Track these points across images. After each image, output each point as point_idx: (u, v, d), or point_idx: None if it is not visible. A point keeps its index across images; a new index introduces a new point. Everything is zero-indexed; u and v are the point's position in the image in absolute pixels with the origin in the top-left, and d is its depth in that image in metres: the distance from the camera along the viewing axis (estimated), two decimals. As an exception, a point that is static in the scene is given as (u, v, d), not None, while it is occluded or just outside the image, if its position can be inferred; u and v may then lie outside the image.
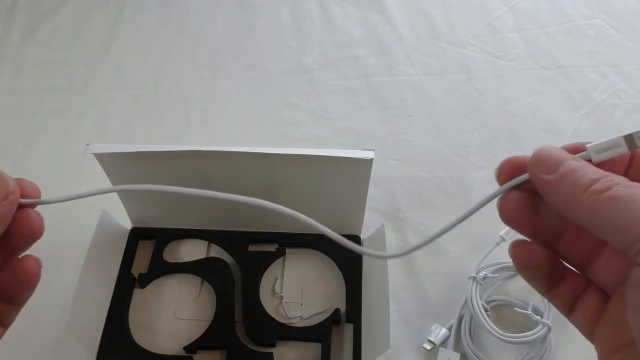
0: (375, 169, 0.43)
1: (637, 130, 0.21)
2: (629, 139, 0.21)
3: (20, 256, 0.26)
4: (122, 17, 0.76)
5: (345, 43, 0.72)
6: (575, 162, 0.21)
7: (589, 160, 0.22)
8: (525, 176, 0.23)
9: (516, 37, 0.71)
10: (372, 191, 0.54)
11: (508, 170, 0.24)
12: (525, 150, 0.61)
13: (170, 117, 0.64)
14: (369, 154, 0.41)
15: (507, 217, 0.24)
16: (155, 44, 0.73)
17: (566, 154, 0.22)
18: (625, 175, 0.22)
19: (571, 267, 0.24)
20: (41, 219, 0.27)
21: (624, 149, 0.21)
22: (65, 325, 0.41)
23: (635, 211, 0.18)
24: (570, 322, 0.24)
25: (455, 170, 0.57)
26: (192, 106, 0.65)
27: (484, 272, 0.46)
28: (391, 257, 0.28)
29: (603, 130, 0.61)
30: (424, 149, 0.60)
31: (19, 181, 0.26)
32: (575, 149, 0.23)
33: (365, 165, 0.42)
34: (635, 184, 0.20)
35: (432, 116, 0.63)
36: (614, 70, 0.66)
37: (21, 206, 0.26)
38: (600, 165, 0.22)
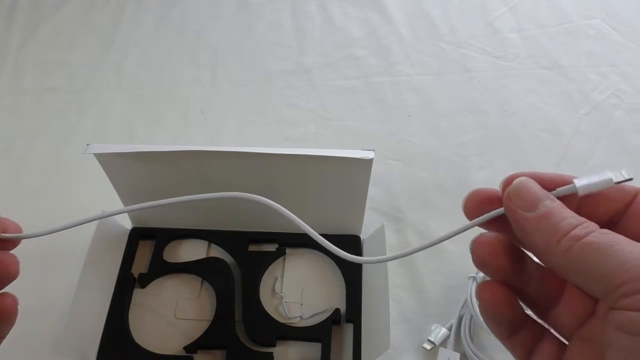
0: (375, 169, 0.43)
1: (626, 170, 0.22)
2: (616, 178, 0.22)
3: None
4: (122, 17, 0.76)
5: (345, 43, 0.72)
6: (553, 203, 0.21)
7: (575, 194, 0.22)
8: (500, 210, 0.23)
9: (516, 37, 0.71)
10: (372, 191, 0.54)
11: (475, 203, 0.24)
12: (525, 150, 0.62)
13: (170, 117, 0.64)
14: (369, 154, 0.41)
15: (481, 262, 0.23)
16: (155, 44, 0.73)
17: (544, 192, 0.22)
18: (577, 211, 0.22)
19: (531, 313, 0.24)
20: (16, 262, 0.26)
21: (610, 184, 0.22)
22: (65, 325, 0.41)
23: (614, 257, 0.19)
24: (503, 344, 0.24)
25: (455, 170, 0.57)
26: (192, 106, 0.65)
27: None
28: (367, 262, 0.28)
29: (603, 130, 0.61)
30: (424, 149, 0.60)
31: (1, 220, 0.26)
32: (552, 181, 0.23)
33: (365, 165, 0.42)
34: (609, 231, 0.20)
35: (432, 116, 0.63)
36: (613, 70, 0.67)
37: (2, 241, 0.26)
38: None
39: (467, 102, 0.64)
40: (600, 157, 0.58)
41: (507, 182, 0.23)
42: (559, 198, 0.22)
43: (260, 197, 0.27)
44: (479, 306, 0.23)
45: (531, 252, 0.22)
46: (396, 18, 0.74)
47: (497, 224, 0.24)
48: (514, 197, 0.22)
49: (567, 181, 0.23)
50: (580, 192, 0.22)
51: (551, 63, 0.68)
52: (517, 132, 0.61)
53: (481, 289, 0.23)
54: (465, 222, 0.25)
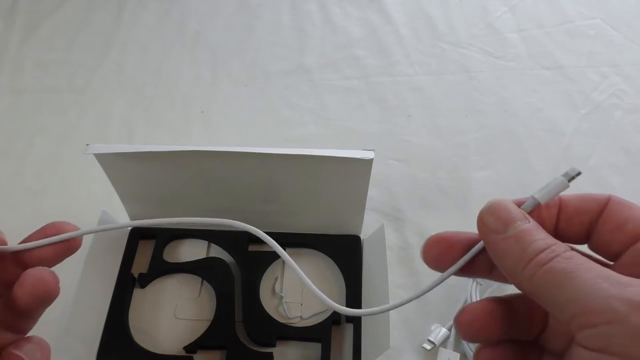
0: (375, 169, 0.43)
1: (571, 167, 0.22)
2: (567, 176, 0.22)
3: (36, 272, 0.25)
4: (122, 17, 0.76)
5: (345, 43, 0.72)
6: (524, 225, 0.21)
7: (538, 205, 0.22)
8: (480, 244, 0.23)
9: (516, 37, 0.71)
10: (372, 191, 0.54)
11: (437, 249, 0.24)
12: (525, 150, 0.62)
13: (170, 117, 0.64)
14: (369, 154, 0.41)
15: (474, 337, 0.23)
16: (155, 44, 0.72)
17: (519, 212, 0.21)
18: (556, 227, 0.22)
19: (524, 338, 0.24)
20: (56, 280, 0.26)
21: (565, 185, 0.22)
22: (65, 325, 0.41)
23: (570, 286, 0.18)
24: None
25: (455, 170, 0.57)
26: (192, 106, 0.65)
27: (484, 272, 0.46)
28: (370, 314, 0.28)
29: (603, 130, 0.61)
30: (424, 149, 0.60)
31: None
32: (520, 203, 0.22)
33: (365, 165, 0.42)
34: (574, 254, 0.20)
35: (432, 116, 0.63)
36: (614, 70, 0.67)
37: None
38: (534, 214, 0.22)
39: (467, 102, 0.64)
40: (600, 157, 0.58)
41: (429, 243, 0.23)
42: (533, 215, 0.22)
43: (254, 228, 0.27)
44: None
45: (506, 275, 0.22)
46: (396, 18, 0.74)
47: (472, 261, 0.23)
48: (487, 216, 0.22)
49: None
50: (542, 200, 0.22)
51: (551, 63, 0.68)
52: (517, 132, 0.61)
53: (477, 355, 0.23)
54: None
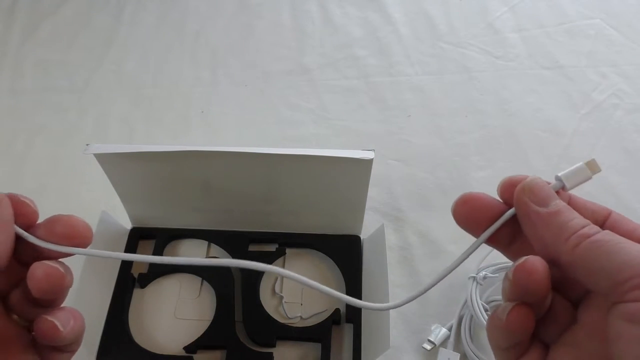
0: (375, 169, 0.43)
1: (592, 159, 0.24)
2: (590, 164, 0.24)
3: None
4: (122, 17, 0.76)
5: (345, 43, 0.72)
6: (562, 203, 0.23)
7: (563, 189, 0.24)
8: (511, 211, 0.24)
9: (516, 37, 0.71)
10: (372, 191, 0.54)
11: (467, 207, 0.25)
12: (525, 150, 0.62)
13: (170, 117, 0.64)
14: (369, 154, 0.41)
15: (525, 290, 0.23)
16: (155, 44, 0.73)
17: (553, 192, 0.23)
18: None
19: None
20: (62, 274, 0.26)
21: (588, 174, 0.24)
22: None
23: (620, 254, 0.20)
24: None
25: (455, 170, 0.57)
26: (192, 106, 0.65)
27: (484, 272, 0.46)
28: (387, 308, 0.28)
29: (603, 130, 0.61)
30: (424, 149, 0.60)
31: (14, 202, 0.25)
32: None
33: (365, 165, 0.42)
34: (612, 232, 0.21)
35: (432, 116, 0.63)
36: (614, 70, 0.67)
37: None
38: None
39: (467, 102, 0.64)
40: (600, 157, 0.57)
41: (509, 183, 0.24)
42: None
43: (264, 264, 0.28)
44: (505, 328, 0.23)
45: (537, 247, 0.23)
46: (396, 18, 0.74)
47: (501, 230, 0.24)
48: (528, 192, 0.23)
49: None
50: (569, 187, 0.24)
51: (551, 63, 0.68)
52: (517, 132, 0.61)
53: (512, 312, 0.23)
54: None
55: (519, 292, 0.22)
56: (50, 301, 0.27)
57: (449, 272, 0.25)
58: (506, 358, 0.24)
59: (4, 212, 0.24)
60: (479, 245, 0.25)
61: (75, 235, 0.26)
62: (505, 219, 0.24)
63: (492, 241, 0.25)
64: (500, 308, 0.23)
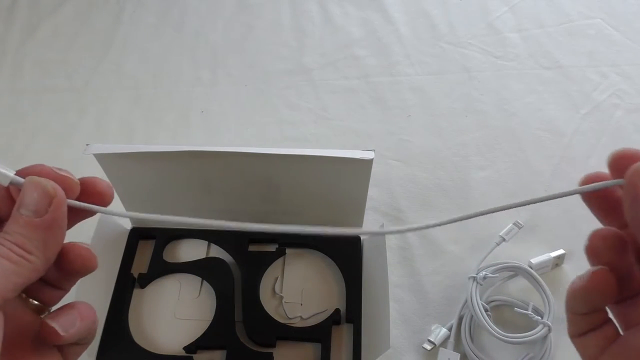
0: (375, 169, 0.43)
1: None
2: None
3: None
4: (122, 17, 0.76)
5: (345, 43, 0.72)
6: None
7: None
8: (619, 181, 0.23)
9: (516, 37, 0.71)
10: (372, 191, 0.54)
11: (619, 163, 0.23)
12: (525, 150, 0.62)
13: (170, 117, 0.64)
14: (369, 154, 0.41)
15: (596, 254, 0.23)
16: (155, 44, 0.73)
17: None
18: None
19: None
20: (92, 255, 0.27)
21: None
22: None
23: None
24: (574, 342, 0.24)
25: (455, 170, 0.57)
26: (192, 106, 0.65)
27: (484, 272, 0.46)
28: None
29: (603, 130, 0.61)
30: (424, 149, 0.60)
31: (62, 179, 0.26)
32: None
33: (365, 165, 0.42)
34: None
35: (432, 116, 0.63)
36: (614, 70, 0.66)
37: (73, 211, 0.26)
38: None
39: (467, 102, 0.64)
40: (600, 157, 0.58)
41: (623, 155, 0.23)
42: None
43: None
44: (584, 288, 0.23)
45: (635, 227, 0.22)
46: (396, 18, 0.74)
47: (599, 204, 0.24)
48: None
49: None
50: None
51: (551, 63, 0.68)
52: (517, 132, 0.61)
53: (596, 273, 0.23)
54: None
55: (591, 257, 0.23)
56: (66, 282, 0.27)
57: (498, 211, 0.24)
58: (580, 326, 0.24)
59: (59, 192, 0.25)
60: (574, 194, 0.24)
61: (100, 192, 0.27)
62: (609, 185, 0.23)
63: (591, 202, 0.25)
64: (584, 271, 0.23)
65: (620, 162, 0.23)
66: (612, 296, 0.23)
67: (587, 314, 0.24)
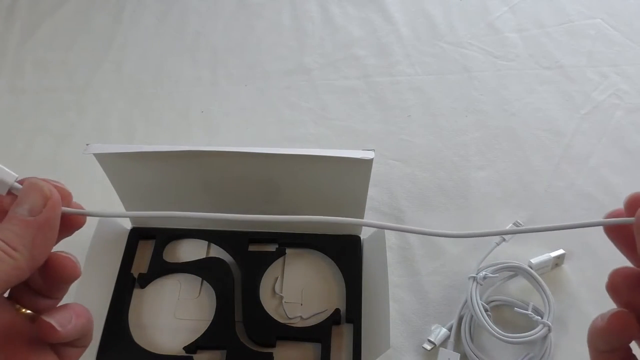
0: (375, 169, 0.43)
1: None
2: None
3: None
4: (122, 17, 0.76)
5: (345, 43, 0.72)
6: None
7: None
8: (630, 219, 0.24)
9: (516, 37, 0.71)
10: (372, 191, 0.54)
11: (632, 204, 0.24)
12: (525, 150, 0.62)
13: (170, 117, 0.64)
14: (369, 154, 0.41)
15: (616, 290, 0.24)
16: (155, 44, 0.72)
17: None
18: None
19: None
20: (74, 263, 0.27)
21: None
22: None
23: None
24: None
25: (455, 170, 0.57)
26: (192, 106, 0.65)
27: (484, 272, 0.46)
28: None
29: (603, 130, 0.61)
30: (424, 149, 0.60)
31: (56, 187, 0.27)
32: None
33: (365, 165, 0.42)
34: None
35: (432, 116, 0.63)
36: (614, 70, 0.66)
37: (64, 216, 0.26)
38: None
39: (467, 102, 0.64)
40: (600, 157, 0.58)
41: (636, 198, 0.24)
42: None
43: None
44: (604, 329, 0.23)
45: None
46: (396, 18, 0.74)
47: (622, 241, 0.25)
48: None
49: None
50: None
51: (551, 63, 0.68)
52: (517, 132, 0.61)
53: (616, 314, 0.23)
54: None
55: (612, 295, 0.23)
56: (55, 292, 0.27)
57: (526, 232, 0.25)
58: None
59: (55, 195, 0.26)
60: (589, 226, 0.25)
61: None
62: (619, 222, 0.24)
63: (613, 237, 0.25)
64: (607, 311, 0.23)
65: (633, 203, 0.24)
66: (632, 337, 0.23)
67: (608, 351, 0.24)
